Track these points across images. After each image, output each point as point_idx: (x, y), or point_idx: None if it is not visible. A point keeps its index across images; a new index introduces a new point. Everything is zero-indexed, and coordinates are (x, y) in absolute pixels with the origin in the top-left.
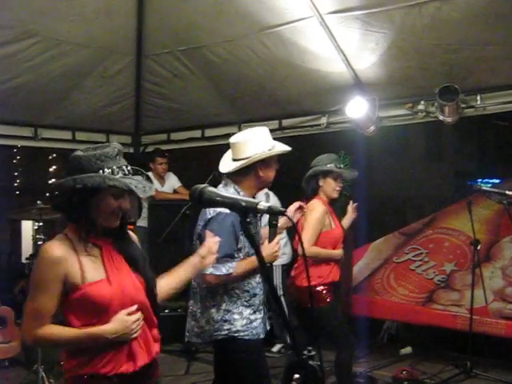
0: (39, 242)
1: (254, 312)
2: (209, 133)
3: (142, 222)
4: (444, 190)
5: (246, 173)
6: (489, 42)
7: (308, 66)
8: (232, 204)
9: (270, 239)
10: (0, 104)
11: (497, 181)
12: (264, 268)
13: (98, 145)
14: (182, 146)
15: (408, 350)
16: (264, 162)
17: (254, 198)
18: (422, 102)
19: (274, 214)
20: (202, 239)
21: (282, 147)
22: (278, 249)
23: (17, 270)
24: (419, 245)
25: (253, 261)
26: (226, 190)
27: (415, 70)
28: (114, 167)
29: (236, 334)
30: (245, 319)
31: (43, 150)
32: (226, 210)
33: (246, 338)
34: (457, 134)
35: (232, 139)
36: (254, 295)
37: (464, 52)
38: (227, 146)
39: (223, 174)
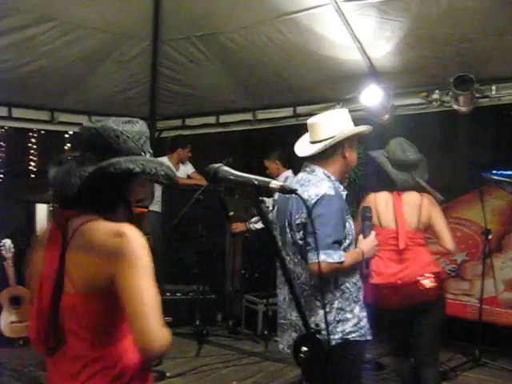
0: None
1: (362, 309)
2: (223, 119)
3: (155, 207)
4: (457, 181)
5: (332, 154)
6: (505, 32)
7: (323, 53)
8: (244, 182)
9: (366, 233)
10: (18, 87)
11: (511, 172)
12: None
13: (125, 118)
14: (196, 132)
15: None
16: (349, 141)
17: (341, 184)
18: (437, 91)
19: (286, 193)
20: (307, 228)
21: (365, 127)
22: (376, 243)
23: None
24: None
25: (358, 252)
26: (316, 176)
27: (430, 59)
28: (151, 151)
29: (349, 336)
30: (356, 318)
31: (59, 133)
32: (331, 192)
33: (357, 339)
34: (472, 125)
35: (312, 120)
36: (360, 288)
37: (480, 41)
38: (242, 132)
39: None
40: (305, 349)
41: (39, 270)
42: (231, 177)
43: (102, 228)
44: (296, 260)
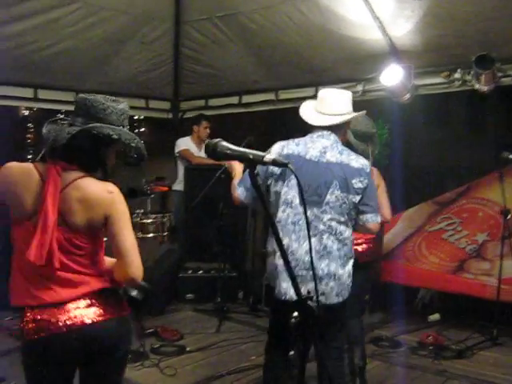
0: None
1: None
2: (246, 99)
3: (178, 186)
4: (484, 161)
5: (343, 128)
6: None
7: (344, 33)
8: (240, 156)
9: None
10: (43, 69)
11: None
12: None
13: (112, 97)
14: (219, 112)
15: (436, 316)
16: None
17: None
18: (459, 71)
19: (278, 166)
20: (367, 192)
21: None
22: None
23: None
24: (453, 214)
25: None
26: (342, 146)
27: (451, 38)
28: (129, 127)
29: None
30: None
31: None
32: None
33: None
34: (501, 105)
35: (328, 94)
36: None
37: (501, 20)
38: (264, 112)
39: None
40: (295, 314)
41: (33, 206)
42: (228, 151)
43: (95, 185)
44: (342, 219)
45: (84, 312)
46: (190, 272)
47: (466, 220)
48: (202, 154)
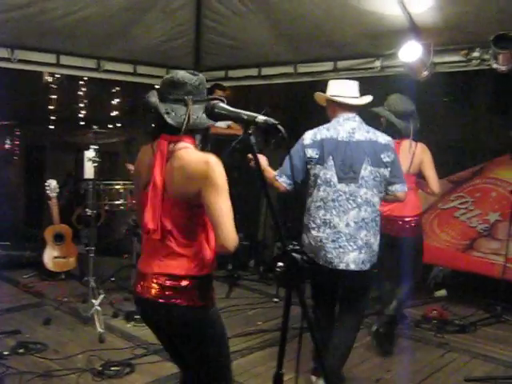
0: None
1: None
2: (265, 71)
3: None
4: (503, 142)
5: (360, 110)
6: None
7: (364, 7)
8: (235, 117)
9: None
10: (65, 35)
11: None
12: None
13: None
14: (239, 84)
15: (442, 292)
16: None
17: None
18: (477, 50)
19: (270, 127)
20: (396, 165)
21: None
22: None
23: (78, 198)
24: (466, 193)
25: None
26: (365, 124)
27: (472, 16)
28: None
29: None
30: None
31: (106, 84)
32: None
33: None
34: None
35: (345, 81)
36: None
37: None
38: (281, 85)
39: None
40: (280, 264)
41: (147, 177)
42: (224, 112)
43: (195, 156)
44: (376, 191)
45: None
46: None
47: (479, 199)
48: (219, 123)
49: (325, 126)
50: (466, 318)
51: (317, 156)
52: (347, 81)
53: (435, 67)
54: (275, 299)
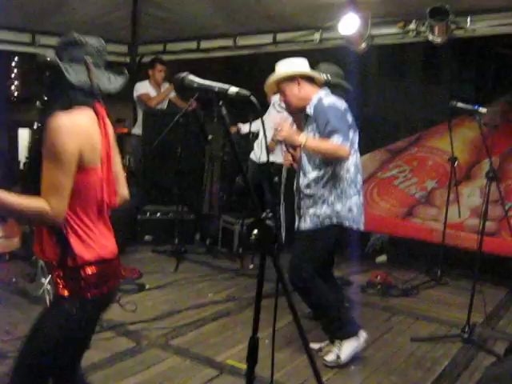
0: None
1: None
2: (204, 45)
3: (137, 130)
4: (437, 112)
5: None
6: None
7: None
8: (206, 89)
9: None
10: None
11: None
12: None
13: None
14: (177, 57)
15: (383, 258)
16: None
17: None
18: (414, 21)
19: (241, 99)
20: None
21: None
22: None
23: (14, 177)
24: (404, 162)
25: None
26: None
27: None
28: None
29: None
30: None
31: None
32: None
33: None
34: (455, 59)
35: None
36: None
37: None
38: (222, 58)
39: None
40: (255, 232)
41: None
42: (195, 84)
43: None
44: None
45: None
46: (148, 215)
47: (417, 168)
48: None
49: (330, 97)
50: (409, 282)
51: (350, 121)
52: (301, 58)
53: (373, 39)
54: (251, 265)
